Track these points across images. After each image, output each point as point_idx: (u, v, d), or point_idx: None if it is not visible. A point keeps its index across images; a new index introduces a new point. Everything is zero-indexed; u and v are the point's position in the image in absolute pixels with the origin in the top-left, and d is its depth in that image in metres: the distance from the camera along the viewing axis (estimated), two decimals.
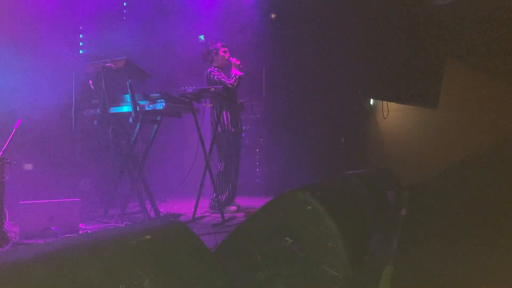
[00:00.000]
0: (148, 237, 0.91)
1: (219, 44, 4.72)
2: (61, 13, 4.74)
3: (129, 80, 3.81)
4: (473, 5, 5.51)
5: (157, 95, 3.74)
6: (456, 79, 5.94)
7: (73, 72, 4.05)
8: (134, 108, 3.75)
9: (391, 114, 6.43)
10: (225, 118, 4.55)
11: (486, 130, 5.72)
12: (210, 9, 6.88)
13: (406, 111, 6.45)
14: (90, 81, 3.95)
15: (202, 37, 7.23)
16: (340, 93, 6.37)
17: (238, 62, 4.60)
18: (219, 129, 4.50)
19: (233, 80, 4.51)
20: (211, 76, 4.51)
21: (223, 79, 4.50)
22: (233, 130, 4.59)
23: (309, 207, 1.78)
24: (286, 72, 6.60)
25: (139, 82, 4.06)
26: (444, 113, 6.01)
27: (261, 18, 6.66)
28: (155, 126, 4.23)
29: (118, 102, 3.96)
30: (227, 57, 4.70)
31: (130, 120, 3.83)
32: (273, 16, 6.69)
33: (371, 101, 6.84)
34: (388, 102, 6.40)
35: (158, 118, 4.20)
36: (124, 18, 5.85)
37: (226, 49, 4.74)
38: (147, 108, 3.75)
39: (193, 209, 3.98)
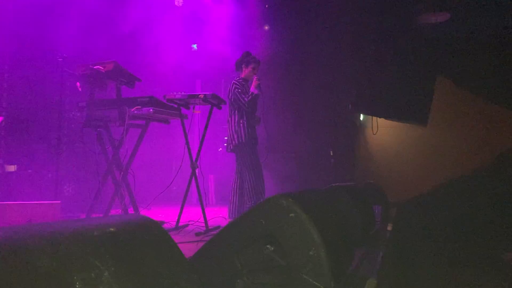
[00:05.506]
0: (112, 229, 0.85)
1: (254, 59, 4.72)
2: (49, 14, 4.71)
3: (117, 84, 3.76)
4: (463, 23, 5.58)
5: (145, 99, 3.69)
6: (446, 96, 5.98)
7: (60, 74, 3.99)
8: (121, 112, 3.70)
9: (381, 130, 6.44)
10: (246, 130, 4.57)
11: (475, 147, 5.74)
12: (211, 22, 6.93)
13: (396, 127, 6.47)
14: (78, 83, 3.89)
15: (195, 46, 7.25)
16: (330, 107, 6.39)
17: (257, 82, 4.57)
18: (241, 139, 4.52)
19: (248, 98, 4.48)
20: (233, 88, 4.55)
21: (241, 95, 4.50)
22: (250, 142, 4.58)
23: (292, 214, 1.73)
24: (275, 82, 6.60)
25: (127, 86, 4.01)
26: (433, 130, 6.04)
27: (254, 31, 6.68)
28: (141, 131, 4.16)
29: (105, 105, 3.89)
30: (254, 74, 4.67)
31: (117, 124, 3.77)
32: (266, 27, 6.73)
33: (361, 117, 6.86)
34: (378, 118, 6.43)
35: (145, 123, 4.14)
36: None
37: (257, 66, 4.72)
38: (134, 113, 3.69)
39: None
